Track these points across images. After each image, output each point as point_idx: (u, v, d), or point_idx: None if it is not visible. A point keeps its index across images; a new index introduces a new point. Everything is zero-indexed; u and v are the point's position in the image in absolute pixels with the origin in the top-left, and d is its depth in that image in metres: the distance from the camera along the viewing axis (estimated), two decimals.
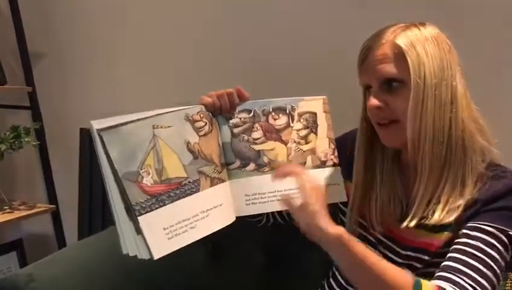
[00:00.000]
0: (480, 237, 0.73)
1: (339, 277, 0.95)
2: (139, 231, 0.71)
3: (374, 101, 0.81)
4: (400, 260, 0.84)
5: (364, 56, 0.82)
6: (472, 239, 0.74)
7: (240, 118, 0.89)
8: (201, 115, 0.85)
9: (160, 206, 0.75)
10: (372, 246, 0.89)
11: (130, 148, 0.73)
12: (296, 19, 1.34)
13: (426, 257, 0.81)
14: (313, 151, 0.92)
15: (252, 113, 0.90)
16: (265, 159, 0.89)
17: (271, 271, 1.22)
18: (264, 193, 0.86)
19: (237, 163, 0.88)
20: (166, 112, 0.80)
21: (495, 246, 0.72)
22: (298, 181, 0.76)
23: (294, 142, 0.91)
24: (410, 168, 0.85)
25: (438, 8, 1.15)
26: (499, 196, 0.76)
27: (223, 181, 0.86)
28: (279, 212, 1.02)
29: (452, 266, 0.72)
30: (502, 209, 0.75)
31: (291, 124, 0.91)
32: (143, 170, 0.74)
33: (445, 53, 0.79)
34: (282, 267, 1.22)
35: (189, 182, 0.80)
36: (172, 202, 0.76)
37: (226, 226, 0.84)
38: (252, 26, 1.40)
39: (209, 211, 0.81)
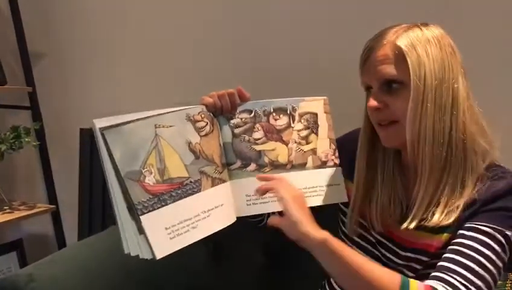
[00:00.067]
0: (475, 237, 0.73)
1: None
2: (141, 230, 0.71)
3: (373, 102, 0.81)
4: (399, 261, 0.84)
5: (366, 56, 0.82)
6: (467, 239, 0.73)
7: (241, 118, 0.89)
8: (203, 115, 0.85)
9: (162, 206, 0.74)
10: (372, 246, 0.90)
11: (132, 147, 0.73)
12: (296, 19, 1.34)
13: (426, 258, 0.81)
14: (313, 151, 0.92)
15: (252, 114, 0.90)
16: (266, 160, 0.89)
17: (271, 271, 1.22)
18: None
19: (238, 163, 0.89)
20: (168, 112, 0.80)
21: (491, 246, 0.72)
22: (278, 194, 0.76)
23: (295, 142, 0.91)
24: (411, 169, 0.85)
25: (438, 8, 1.15)
26: (498, 196, 0.76)
27: (224, 181, 0.86)
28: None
29: (446, 266, 0.72)
30: (500, 210, 0.75)
31: (292, 125, 0.91)
32: (145, 169, 0.74)
33: (447, 55, 0.78)
34: (282, 267, 1.22)
35: (191, 182, 0.80)
36: (174, 201, 0.76)
37: (227, 226, 0.84)
38: (252, 27, 1.40)
39: (210, 211, 0.81)
